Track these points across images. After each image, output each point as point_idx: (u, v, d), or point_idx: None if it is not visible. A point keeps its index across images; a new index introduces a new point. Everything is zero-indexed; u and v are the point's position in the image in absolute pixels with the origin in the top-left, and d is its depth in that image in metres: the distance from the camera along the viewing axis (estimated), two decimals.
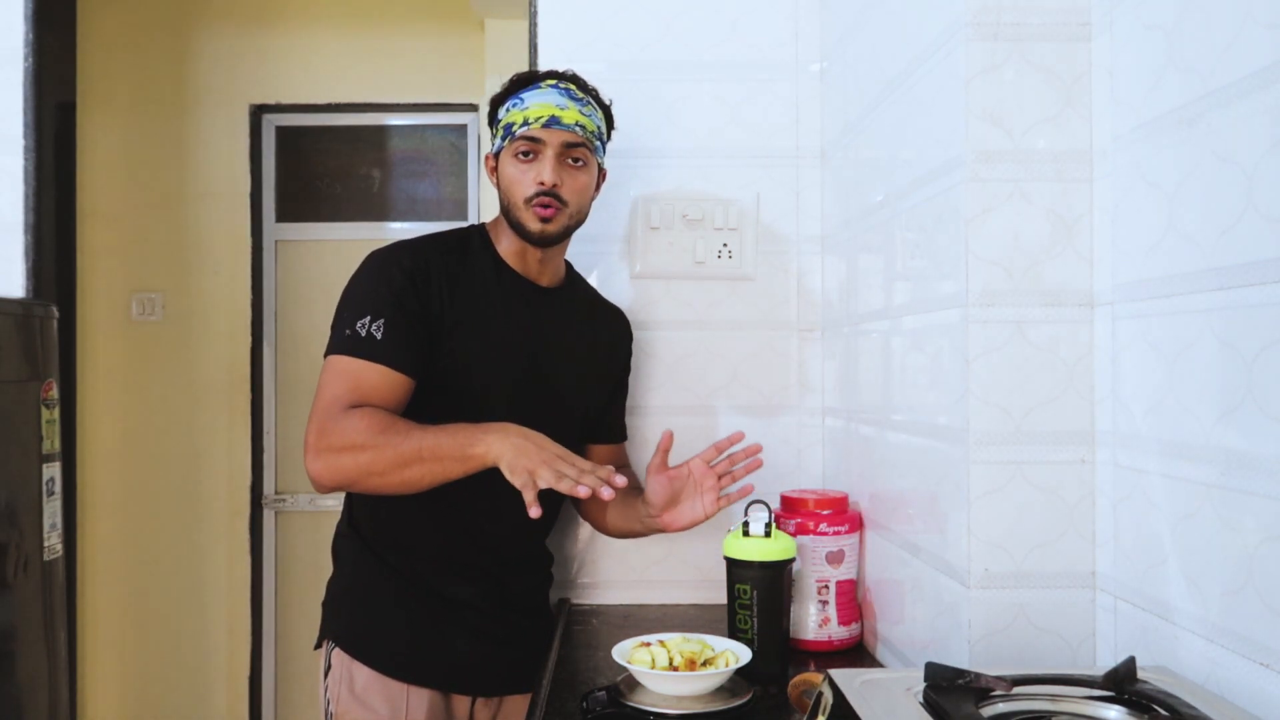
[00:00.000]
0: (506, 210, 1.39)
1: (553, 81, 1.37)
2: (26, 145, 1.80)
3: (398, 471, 1.22)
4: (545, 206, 1.34)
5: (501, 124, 1.38)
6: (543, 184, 1.34)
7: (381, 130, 3.33)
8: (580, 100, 1.37)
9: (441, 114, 3.28)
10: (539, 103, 1.34)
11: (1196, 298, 0.85)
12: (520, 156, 1.36)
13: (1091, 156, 1.04)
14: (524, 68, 1.50)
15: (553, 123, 1.33)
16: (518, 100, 1.36)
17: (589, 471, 1.18)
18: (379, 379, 1.29)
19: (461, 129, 3.31)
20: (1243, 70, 0.79)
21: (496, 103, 1.41)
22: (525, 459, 1.18)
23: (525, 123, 1.34)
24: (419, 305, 1.33)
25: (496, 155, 1.40)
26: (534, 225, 1.36)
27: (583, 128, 1.36)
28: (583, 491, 1.16)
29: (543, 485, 1.17)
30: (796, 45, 1.72)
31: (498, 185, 1.41)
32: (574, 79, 1.39)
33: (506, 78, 1.42)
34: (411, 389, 1.32)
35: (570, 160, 1.36)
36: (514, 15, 2.88)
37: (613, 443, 1.61)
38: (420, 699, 1.37)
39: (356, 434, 1.23)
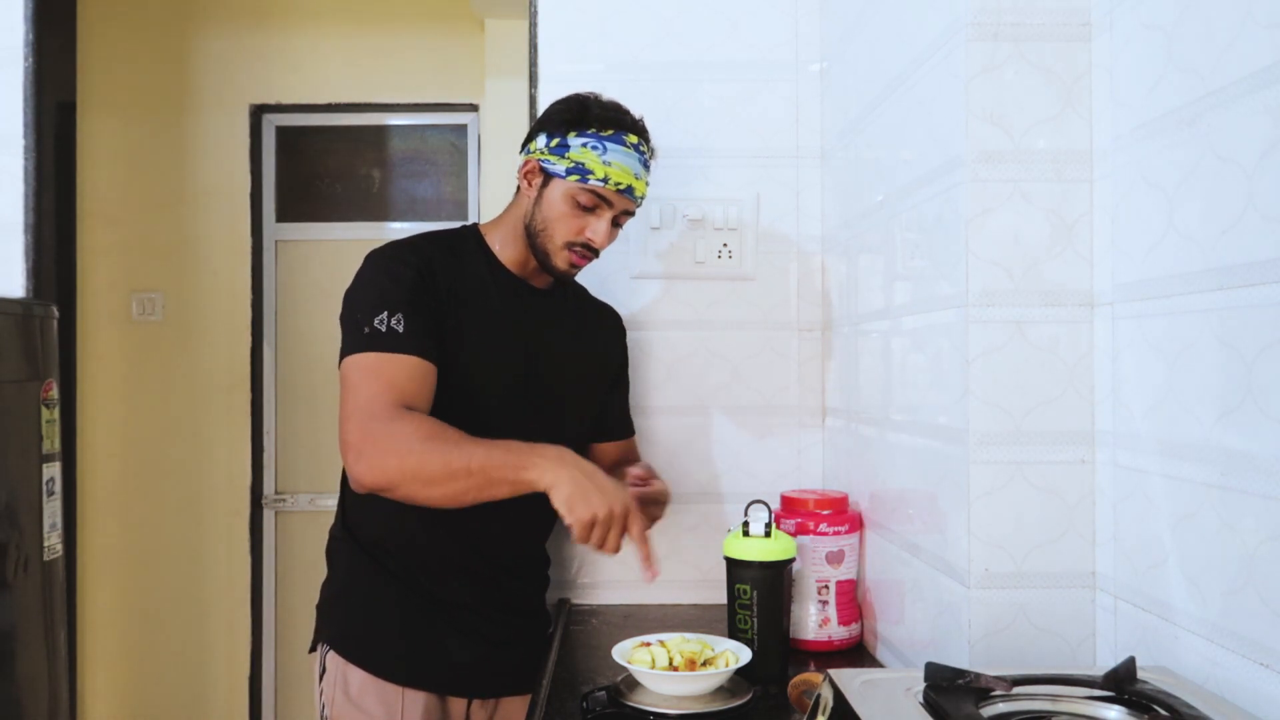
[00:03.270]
0: (534, 235, 1.38)
1: (635, 139, 1.35)
2: (26, 145, 1.80)
3: (445, 483, 1.19)
4: (582, 257, 1.37)
5: (572, 156, 1.32)
6: (592, 241, 1.35)
7: (381, 130, 3.33)
8: (648, 169, 1.39)
9: (441, 114, 3.28)
10: (621, 165, 1.32)
11: (1196, 298, 0.85)
12: (579, 204, 1.34)
13: (1091, 156, 1.04)
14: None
15: (628, 192, 1.34)
16: (599, 145, 1.32)
17: (642, 541, 1.21)
18: (410, 370, 1.26)
19: (461, 129, 3.31)
20: (1242, 70, 0.79)
21: (571, 123, 1.34)
22: (585, 504, 1.17)
23: (604, 180, 1.32)
24: (431, 300, 1.32)
25: (548, 173, 1.35)
26: (563, 268, 1.38)
27: (643, 200, 1.39)
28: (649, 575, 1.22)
29: (594, 545, 1.19)
30: (796, 45, 1.72)
31: (535, 199, 1.37)
32: (648, 139, 1.39)
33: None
34: (435, 378, 1.30)
35: (616, 222, 1.39)
36: (514, 15, 2.88)
37: (620, 439, 1.61)
38: (416, 702, 1.36)
39: (405, 439, 1.19)
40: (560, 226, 1.35)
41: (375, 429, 1.21)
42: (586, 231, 1.35)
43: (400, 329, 1.27)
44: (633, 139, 1.35)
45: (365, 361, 1.26)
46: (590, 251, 1.37)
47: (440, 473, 1.18)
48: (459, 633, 1.40)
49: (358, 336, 1.28)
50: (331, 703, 1.38)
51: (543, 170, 1.36)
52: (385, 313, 1.27)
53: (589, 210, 1.34)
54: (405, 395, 1.24)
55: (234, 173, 3.20)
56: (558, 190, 1.34)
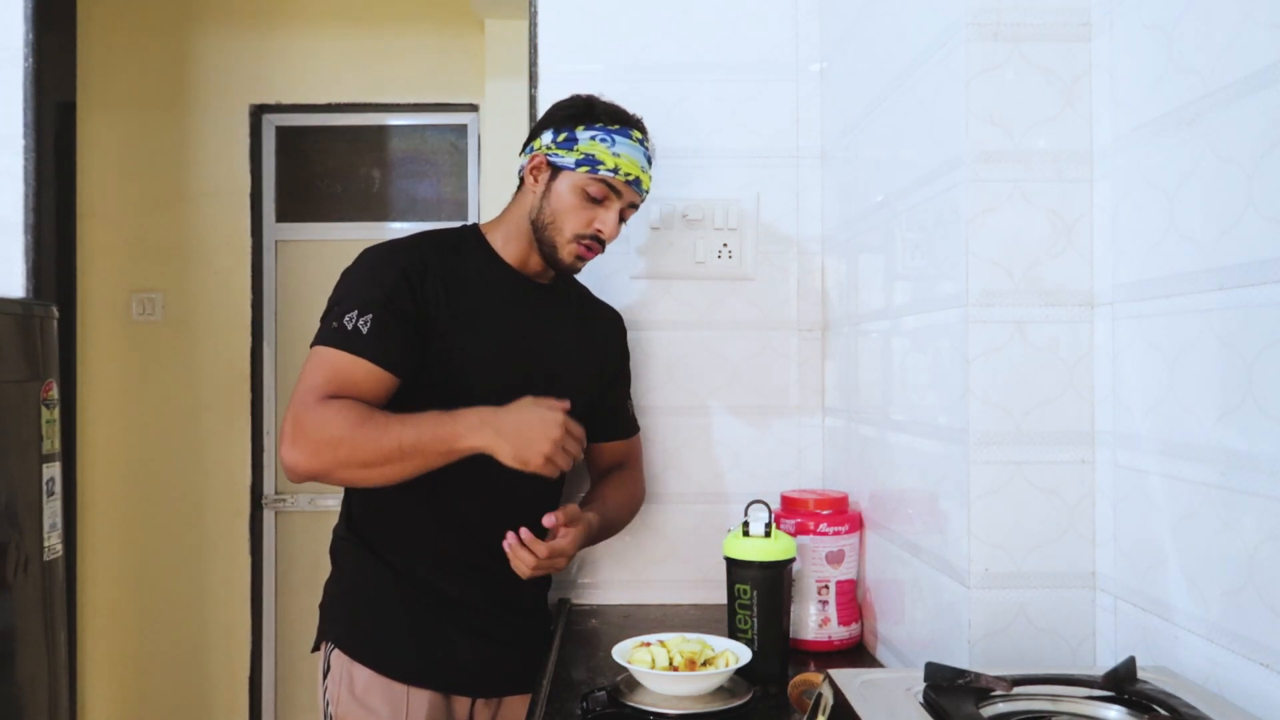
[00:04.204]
0: (541, 229, 1.39)
1: (640, 135, 1.40)
2: (26, 145, 1.80)
3: (377, 467, 1.23)
4: (589, 249, 1.39)
5: (580, 149, 1.35)
6: (600, 232, 1.37)
7: (381, 130, 3.33)
8: (651, 165, 1.43)
9: (441, 114, 3.28)
10: (630, 156, 1.36)
11: (1196, 298, 0.85)
12: (588, 195, 1.36)
13: (1091, 156, 1.04)
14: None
15: (635, 184, 1.38)
16: (608, 138, 1.35)
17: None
18: (361, 374, 1.28)
19: (461, 129, 3.31)
20: (1243, 70, 0.79)
21: (578, 118, 1.37)
22: (531, 450, 1.22)
23: (615, 170, 1.35)
24: (412, 305, 1.32)
25: (556, 167, 1.37)
26: (570, 261, 1.39)
27: (648, 194, 1.43)
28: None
29: (564, 468, 1.26)
30: (796, 45, 1.72)
31: (543, 194, 1.39)
32: (649, 139, 1.43)
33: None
34: (394, 387, 1.31)
35: (621, 217, 1.40)
36: (514, 15, 2.88)
37: (622, 438, 1.61)
38: (421, 700, 1.36)
39: (333, 426, 1.22)
40: (569, 219, 1.37)
41: (305, 417, 1.23)
42: (595, 223, 1.37)
43: (365, 330, 1.28)
44: (638, 134, 1.39)
45: (323, 355, 1.29)
46: (598, 244, 1.39)
47: (374, 457, 1.22)
48: (465, 632, 1.40)
49: (325, 329, 1.31)
50: (337, 701, 1.37)
51: (550, 164, 1.38)
52: (355, 312, 1.29)
53: (598, 202, 1.37)
54: (344, 392, 1.27)
55: (234, 173, 3.20)
56: (566, 183, 1.37)
